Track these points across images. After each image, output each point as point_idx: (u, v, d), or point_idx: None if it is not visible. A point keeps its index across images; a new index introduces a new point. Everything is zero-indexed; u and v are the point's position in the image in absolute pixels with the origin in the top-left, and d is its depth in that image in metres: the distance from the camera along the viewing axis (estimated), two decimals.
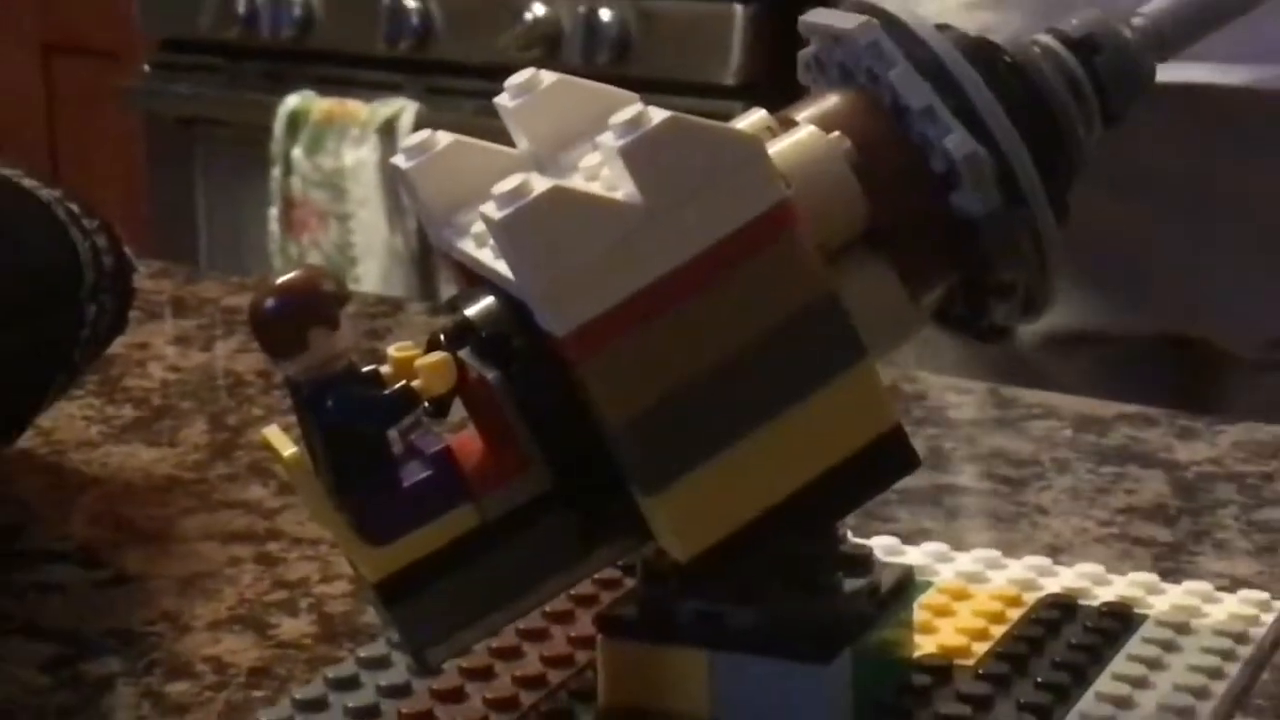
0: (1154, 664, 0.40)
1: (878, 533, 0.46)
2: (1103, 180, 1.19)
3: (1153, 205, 1.19)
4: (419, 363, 0.35)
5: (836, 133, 0.37)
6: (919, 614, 0.41)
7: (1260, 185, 1.18)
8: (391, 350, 0.36)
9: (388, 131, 2.03)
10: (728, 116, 0.38)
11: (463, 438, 0.36)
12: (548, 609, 0.41)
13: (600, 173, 0.35)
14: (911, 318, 0.38)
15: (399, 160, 0.39)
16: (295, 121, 2.12)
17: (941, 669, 0.39)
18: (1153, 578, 0.45)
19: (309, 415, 0.35)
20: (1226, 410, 1.22)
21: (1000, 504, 0.61)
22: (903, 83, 0.36)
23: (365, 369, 0.35)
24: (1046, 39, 0.39)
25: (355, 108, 2.09)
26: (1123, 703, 0.38)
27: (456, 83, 2.05)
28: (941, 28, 0.38)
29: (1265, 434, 0.65)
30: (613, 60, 1.96)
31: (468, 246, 0.37)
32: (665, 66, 1.94)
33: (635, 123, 0.33)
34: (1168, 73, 1.12)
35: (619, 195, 0.34)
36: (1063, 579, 0.45)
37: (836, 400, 0.34)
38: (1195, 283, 1.21)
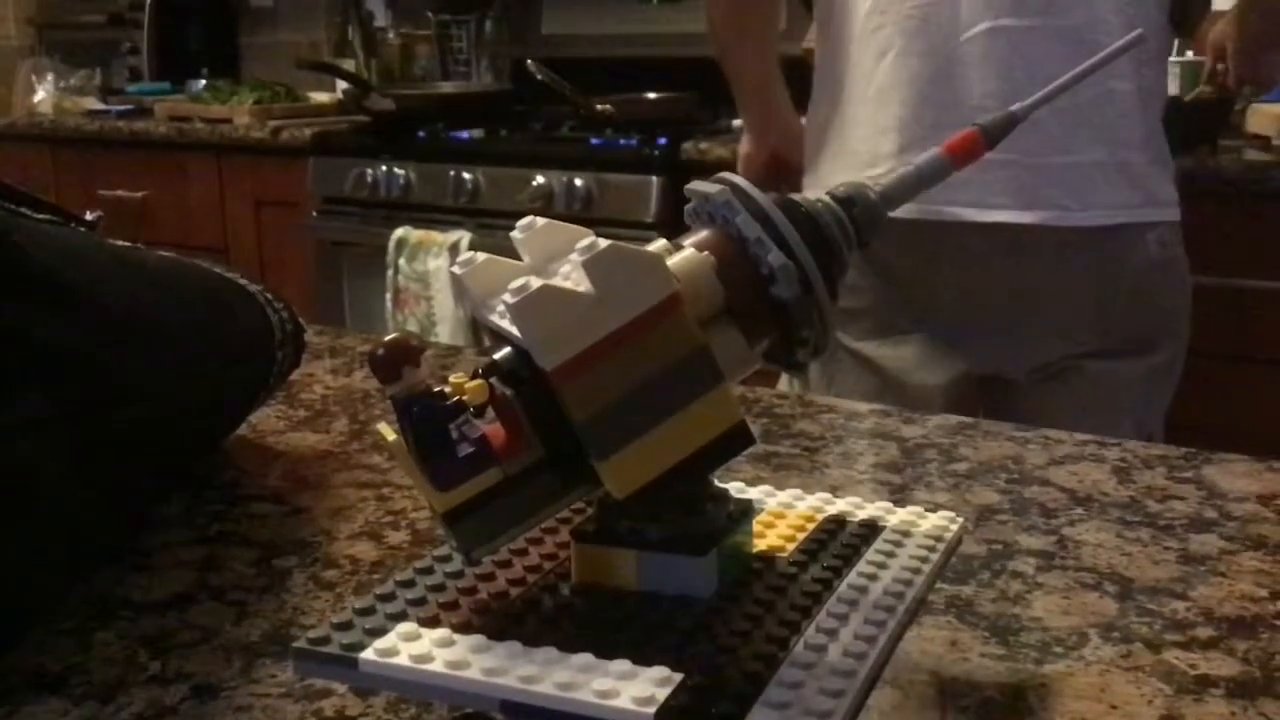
0: (890, 554, 0.43)
1: (731, 480, 0.49)
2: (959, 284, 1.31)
3: (971, 296, 1.33)
4: (467, 385, 0.39)
5: (706, 252, 0.41)
6: (755, 527, 0.44)
7: (1027, 281, 1.31)
8: (452, 378, 0.39)
9: (454, 250, 2.33)
10: (646, 243, 0.42)
11: (493, 428, 0.39)
12: (542, 527, 0.44)
13: (571, 276, 0.40)
14: (750, 359, 0.41)
15: (455, 269, 0.43)
16: (400, 244, 2.43)
17: (769, 558, 0.43)
18: (889, 504, 0.47)
19: (403, 416, 0.39)
20: (1020, 406, 1.34)
21: (803, 463, 0.66)
22: (743, 223, 0.40)
23: (435, 389, 0.39)
24: (825, 198, 0.43)
25: (435, 235, 2.40)
26: (872, 577, 0.42)
27: (493, 221, 2.34)
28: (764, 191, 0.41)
29: (953, 421, 0.71)
30: (582, 208, 2.23)
31: (495, 318, 0.41)
32: (612, 212, 2.19)
33: (590, 248, 0.37)
34: (980, 215, 1.27)
35: (581, 289, 0.37)
36: (838, 506, 0.47)
37: (706, 407, 0.38)
38: (995, 340, 1.31)
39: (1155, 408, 1.38)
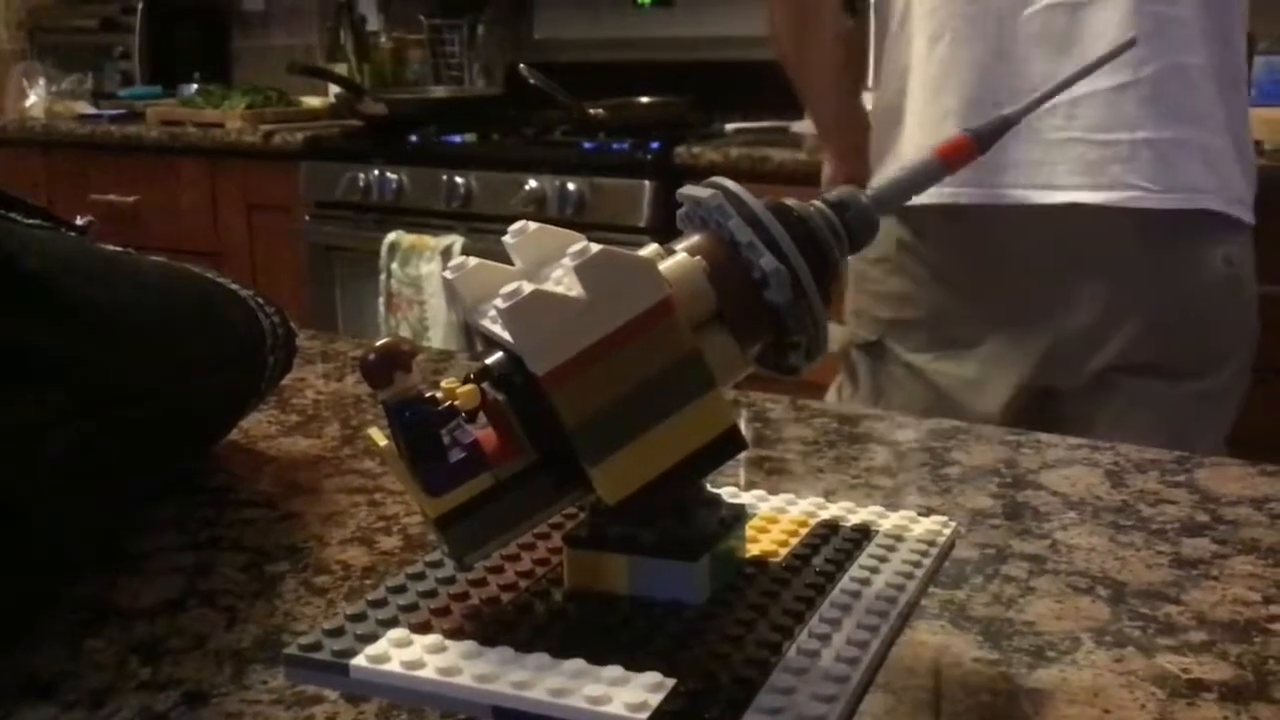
0: (882, 559, 0.43)
1: (724, 484, 0.48)
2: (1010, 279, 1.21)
3: (1024, 295, 1.26)
4: (459, 390, 0.39)
5: (698, 256, 0.40)
6: (748, 532, 0.44)
7: (1084, 279, 1.24)
8: (444, 383, 0.39)
9: (446, 254, 2.35)
10: (638, 247, 0.41)
11: (485, 433, 0.39)
12: (534, 532, 0.44)
13: (562, 281, 0.40)
14: (742, 363, 0.41)
15: (446, 274, 0.43)
16: (393, 248, 2.45)
17: (761, 563, 0.43)
18: (881, 509, 0.47)
19: (394, 422, 0.39)
20: (1064, 419, 1.27)
21: (796, 467, 0.66)
22: (736, 228, 0.40)
23: (427, 394, 0.39)
24: (818, 203, 0.42)
25: (428, 240, 2.41)
26: (865, 582, 0.41)
27: (486, 226, 2.36)
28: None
29: (946, 425, 0.70)
30: (575, 213, 2.24)
31: (487, 323, 0.41)
32: (604, 217, 2.21)
33: (582, 252, 0.37)
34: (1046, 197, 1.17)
35: (573, 294, 0.37)
36: (831, 511, 0.47)
37: (699, 411, 0.38)
38: (1049, 345, 1.27)
39: (1204, 434, 1.29)
